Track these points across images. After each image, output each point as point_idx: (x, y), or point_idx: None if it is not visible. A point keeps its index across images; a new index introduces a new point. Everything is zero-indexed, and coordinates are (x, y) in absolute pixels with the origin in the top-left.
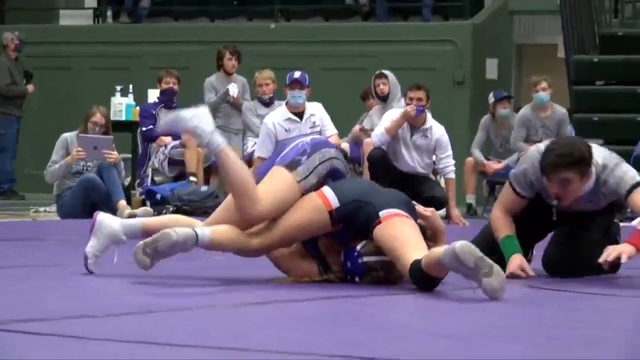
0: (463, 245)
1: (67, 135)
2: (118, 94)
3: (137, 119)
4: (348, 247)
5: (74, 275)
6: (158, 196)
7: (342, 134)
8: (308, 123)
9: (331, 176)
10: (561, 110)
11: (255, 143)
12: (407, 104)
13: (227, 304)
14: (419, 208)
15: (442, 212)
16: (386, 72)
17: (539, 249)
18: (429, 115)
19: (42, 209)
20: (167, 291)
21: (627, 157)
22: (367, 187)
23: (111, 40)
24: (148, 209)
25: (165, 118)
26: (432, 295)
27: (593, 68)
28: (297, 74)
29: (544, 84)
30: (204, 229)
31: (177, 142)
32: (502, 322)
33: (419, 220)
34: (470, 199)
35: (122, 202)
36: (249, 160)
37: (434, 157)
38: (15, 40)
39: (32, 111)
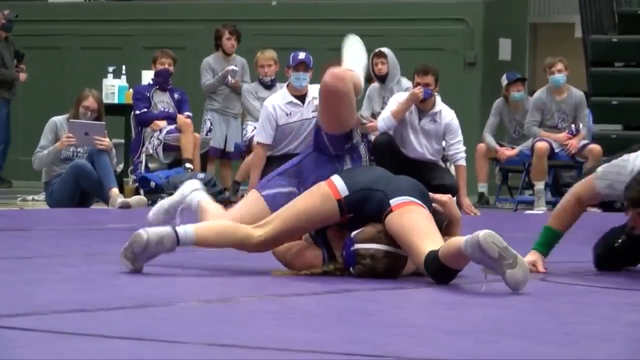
0: (487, 235)
1: (56, 119)
2: (110, 76)
3: (131, 101)
4: (349, 236)
5: (63, 268)
6: (152, 184)
7: None
8: (310, 107)
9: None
10: (578, 94)
11: (255, 127)
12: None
13: (224, 297)
14: (435, 195)
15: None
16: (385, 50)
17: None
18: (438, 99)
19: (30, 197)
20: (161, 284)
21: None
22: (378, 175)
23: (103, 19)
24: (142, 197)
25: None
26: (438, 289)
27: (612, 49)
28: (302, 55)
29: (559, 66)
30: (187, 226)
31: (172, 126)
32: (512, 317)
33: (434, 206)
34: (482, 187)
35: (115, 190)
36: (248, 146)
37: (443, 143)
38: (1, 19)
39: (19, 93)
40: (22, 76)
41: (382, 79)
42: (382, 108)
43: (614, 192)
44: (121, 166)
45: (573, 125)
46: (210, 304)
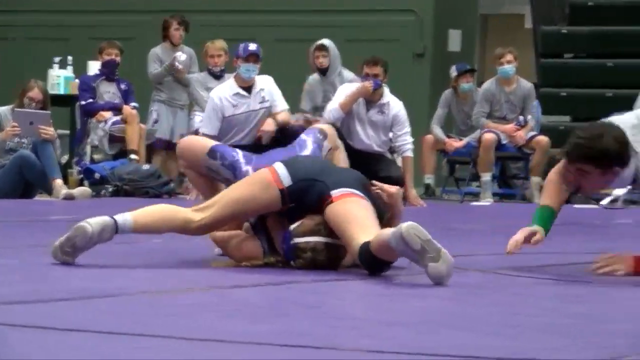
0: (410, 227)
1: (0, 109)
2: (56, 66)
3: (76, 92)
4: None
5: (4, 259)
6: (97, 175)
7: (293, 109)
8: (257, 98)
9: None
10: (527, 85)
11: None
12: (363, 79)
13: (165, 289)
14: (384, 185)
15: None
16: (326, 42)
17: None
18: (386, 90)
19: None
20: (102, 276)
21: None
22: (321, 166)
23: (49, 9)
24: (86, 188)
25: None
26: (381, 280)
27: (561, 40)
28: (253, 46)
29: (509, 57)
30: (125, 214)
31: (118, 117)
32: (455, 309)
33: (381, 193)
34: (429, 179)
35: (58, 181)
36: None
37: (390, 135)
38: None
39: None
40: None
41: (324, 71)
42: (324, 101)
43: None
44: (66, 157)
45: (521, 117)
46: (152, 296)
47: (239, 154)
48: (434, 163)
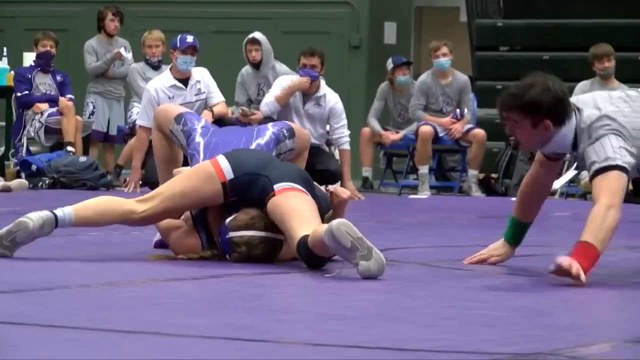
0: (340, 223)
1: None
2: None
3: (12, 84)
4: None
5: None
6: (34, 167)
7: (229, 102)
8: (193, 90)
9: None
10: (462, 78)
11: None
12: (300, 69)
13: (103, 282)
14: (338, 188)
15: (337, 185)
16: (258, 36)
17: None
18: (322, 83)
19: None
20: (39, 269)
21: None
22: (264, 160)
23: None
24: (23, 181)
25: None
26: (319, 274)
27: (497, 33)
28: (190, 38)
29: (444, 50)
30: (66, 208)
31: (54, 109)
32: (394, 302)
33: (333, 196)
34: (367, 171)
35: None
36: (132, 128)
37: (327, 127)
38: None
39: None
40: None
41: (257, 65)
42: (259, 95)
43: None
44: (2, 149)
45: (458, 110)
46: (89, 289)
47: (199, 125)
48: (372, 156)
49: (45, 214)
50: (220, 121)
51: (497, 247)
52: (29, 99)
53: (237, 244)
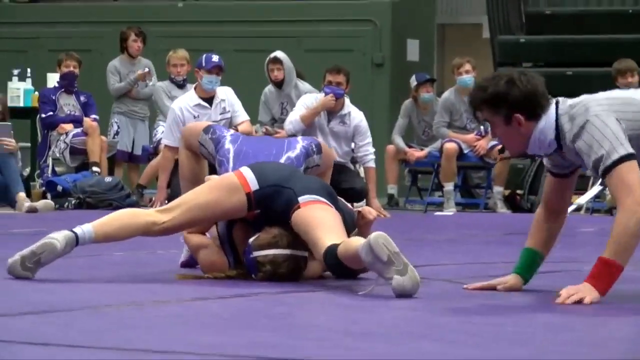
0: (379, 236)
1: None
2: (15, 79)
3: (37, 105)
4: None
5: None
6: (59, 188)
7: (254, 121)
8: (218, 109)
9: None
10: None
11: None
12: (326, 87)
13: (130, 302)
14: (365, 208)
15: (362, 203)
16: (280, 55)
17: None
18: (347, 101)
19: None
20: (64, 289)
21: None
22: (288, 172)
23: (8, 21)
24: (49, 201)
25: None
26: (346, 291)
27: (519, 49)
28: (216, 58)
29: (467, 66)
30: (85, 225)
31: (79, 129)
32: (421, 319)
33: (360, 216)
34: (392, 189)
35: (22, 195)
36: (156, 147)
37: (352, 145)
38: None
39: None
40: None
41: (279, 84)
42: (282, 114)
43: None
44: (28, 170)
45: (482, 127)
46: (117, 309)
47: (228, 133)
48: (397, 173)
49: (66, 233)
50: None
51: (506, 279)
52: (53, 119)
53: (262, 263)
